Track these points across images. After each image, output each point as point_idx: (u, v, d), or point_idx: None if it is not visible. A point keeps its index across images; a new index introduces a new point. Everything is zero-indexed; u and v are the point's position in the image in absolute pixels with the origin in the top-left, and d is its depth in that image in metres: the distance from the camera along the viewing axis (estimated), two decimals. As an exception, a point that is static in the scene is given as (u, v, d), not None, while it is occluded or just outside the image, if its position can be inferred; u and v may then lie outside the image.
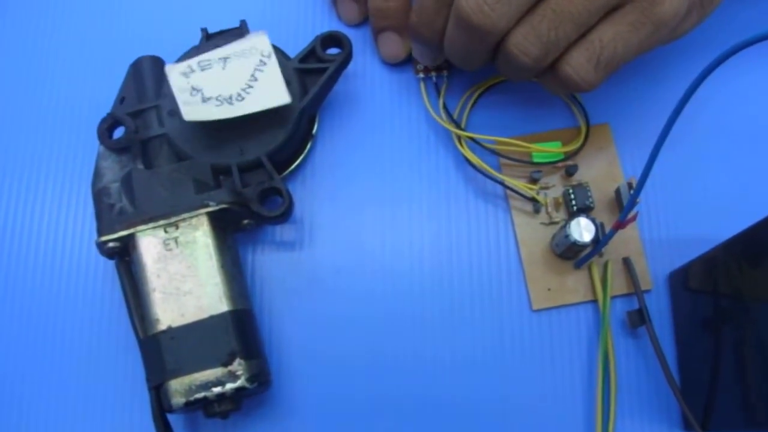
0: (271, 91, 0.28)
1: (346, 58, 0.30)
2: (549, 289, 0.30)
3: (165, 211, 0.27)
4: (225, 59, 0.28)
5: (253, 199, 0.28)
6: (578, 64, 0.25)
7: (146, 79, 0.30)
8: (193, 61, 0.28)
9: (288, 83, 0.28)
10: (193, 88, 0.28)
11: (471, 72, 0.31)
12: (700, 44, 0.30)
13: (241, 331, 0.26)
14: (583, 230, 0.28)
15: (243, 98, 0.28)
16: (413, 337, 0.29)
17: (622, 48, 0.25)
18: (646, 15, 0.25)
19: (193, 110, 0.28)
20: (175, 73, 0.28)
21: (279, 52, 0.30)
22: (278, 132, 0.29)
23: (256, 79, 0.28)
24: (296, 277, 0.30)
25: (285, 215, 0.28)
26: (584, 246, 0.28)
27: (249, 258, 0.31)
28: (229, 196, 0.28)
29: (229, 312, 0.26)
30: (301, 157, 0.31)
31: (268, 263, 0.30)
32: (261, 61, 0.28)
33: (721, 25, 0.31)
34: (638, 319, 0.28)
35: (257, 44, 0.28)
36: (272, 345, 0.29)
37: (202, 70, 0.28)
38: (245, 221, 0.29)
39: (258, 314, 0.29)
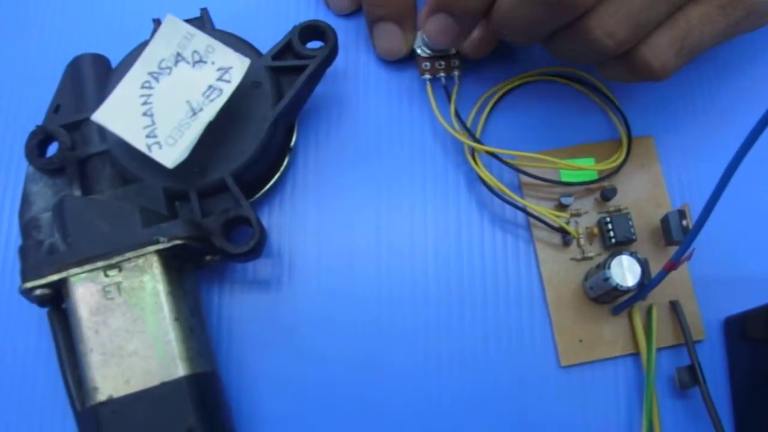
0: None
1: (330, 54, 0.27)
2: (581, 341, 0.26)
3: (105, 250, 0.23)
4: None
5: (215, 232, 0.25)
6: (660, 48, 0.23)
7: (87, 82, 0.27)
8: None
9: (258, 85, 0.26)
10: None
11: (486, 73, 0.28)
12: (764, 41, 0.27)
13: (200, 401, 0.23)
14: (625, 271, 0.24)
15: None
16: (415, 404, 0.26)
17: (709, 32, 0.24)
18: None
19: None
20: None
21: (249, 49, 0.27)
22: (246, 145, 0.25)
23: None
24: (273, 326, 0.26)
25: (255, 251, 0.25)
26: (627, 291, 0.24)
27: (214, 302, 0.27)
28: (184, 228, 0.24)
29: (186, 377, 0.23)
30: (277, 177, 0.28)
31: (237, 308, 0.27)
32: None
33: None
34: (689, 378, 0.25)
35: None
36: (242, 414, 0.26)
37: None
38: (208, 257, 0.25)
39: (224, 375, 0.26)
